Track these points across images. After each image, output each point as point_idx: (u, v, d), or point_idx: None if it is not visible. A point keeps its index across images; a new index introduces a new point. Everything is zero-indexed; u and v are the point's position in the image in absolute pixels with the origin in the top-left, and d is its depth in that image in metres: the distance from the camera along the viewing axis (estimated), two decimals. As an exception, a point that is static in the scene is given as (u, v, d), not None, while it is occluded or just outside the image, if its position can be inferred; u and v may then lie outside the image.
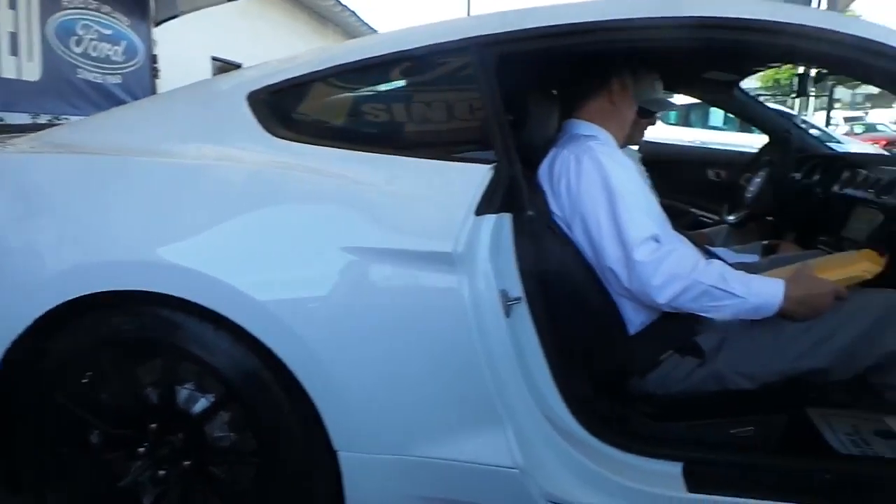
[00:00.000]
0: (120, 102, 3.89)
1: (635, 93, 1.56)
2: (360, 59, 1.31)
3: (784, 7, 1.24)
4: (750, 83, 11.73)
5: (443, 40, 1.28)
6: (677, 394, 1.37)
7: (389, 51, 1.30)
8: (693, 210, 2.89)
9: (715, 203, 2.65)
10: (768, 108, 2.87)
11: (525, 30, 1.25)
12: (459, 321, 1.15)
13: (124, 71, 4.34)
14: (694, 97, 2.95)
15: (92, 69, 4.11)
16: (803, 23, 1.21)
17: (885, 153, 9.12)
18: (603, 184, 1.32)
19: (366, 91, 1.38)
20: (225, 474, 1.30)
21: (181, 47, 5.46)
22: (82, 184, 1.31)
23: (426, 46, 1.28)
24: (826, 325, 1.27)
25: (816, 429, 1.47)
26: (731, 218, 2.38)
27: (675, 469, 1.27)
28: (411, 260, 1.15)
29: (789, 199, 2.32)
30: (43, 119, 3.63)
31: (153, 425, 1.27)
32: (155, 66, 4.50)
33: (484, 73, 1.23)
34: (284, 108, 1.35)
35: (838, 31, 1.20)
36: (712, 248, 1.67)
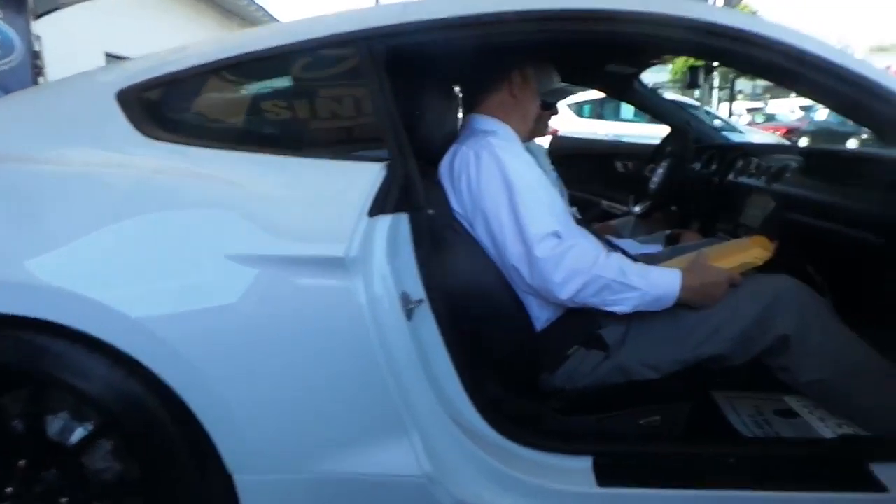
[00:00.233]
0: (-9, 103, 3.54)
1: (538, 85, 1.55)
2: (240, 53, 1.22)
3: (674, 1, 1.25)
4: (661, 76, 12.27)
5: (329, 33, 1.21)
6: (585, 388, 1.37)
7: (272, 45, 1.22)
8: (603, 201, 2.95)
9: (623, 194, 2.71)
10: (667, 100, 2.96)
11: (415, 22, 1.20)
12: (357, 328, 1.10)
13: (-2, 69, 3.96)
14: (597, 90, 3.00)
15: (-44, 68, 3.74)
16: (686, 15, 1.22)
17: (786, 141, 9.76)
18: (503, 180, 1.30)
19: (249, 88, 1.29)
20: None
21: (71, 43, 5.08)
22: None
23: (312, 40, 1.21)
24: (722, 312, 1.30)
25: (721, 412, 1.51)
26: (636, 208, 2.43)
27: (585, 464, 1.26)
28: (301, 266, 1.09)
29: (690, 189, 2.39)
30: None
31: (21, 462, 1.14)
32: (37, 63, 4.14)
33: (373, 68, 1.18)
34: (159, 106, 1.25)
35: (723, 25, 1.22)
36: (617, 240, 1.69)
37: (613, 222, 2.44)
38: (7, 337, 1.10)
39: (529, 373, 1.41)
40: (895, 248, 1.39)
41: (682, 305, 1.29)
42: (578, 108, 8.89)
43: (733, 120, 11.68)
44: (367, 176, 1.14)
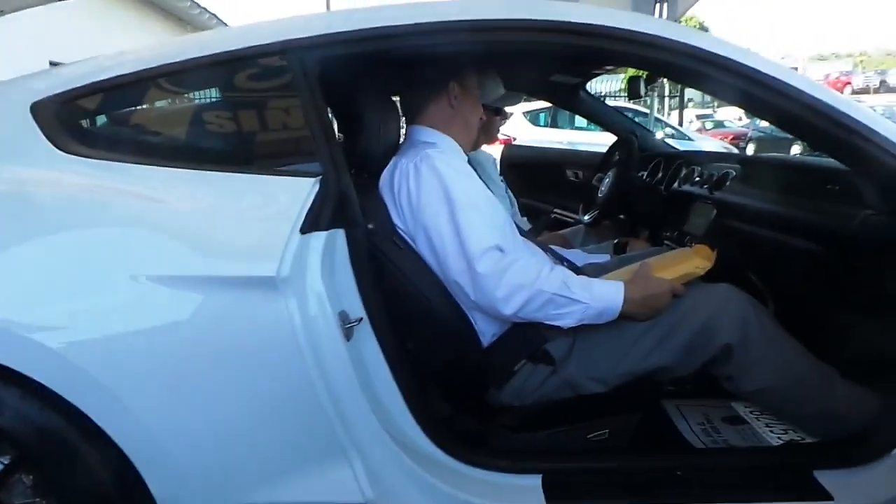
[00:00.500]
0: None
1: (481, 94, 1.53)
2: (162, 64, 1.16)
3: (616, 13, 1.25)
4: (615, 84, 12.48)
5: (259, 43, 1.16)
6: (534, 403, 1.35)
7: (196, 55, 1.16)
8: (555, 210, 2.96)
9: (575, 203, 2.72)
10: (612, 108, 2.99)
11: (347, 32, 1.16)
12: (290, 351, 1.05)
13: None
14: (543, 100, 3.01)
15: None
16: (631, 28, 1.21)
17: (733, 148, 10.03)
18: (443, 194, 1.27)
19: (174, 100, 1.23)
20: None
21: (11, 51, 4.86)
22: None
23: (241, 50, 1.16)
24: (665, 323, 1.29)
25: (671, 422, 1.51)
26: (586, 217, 2.44)
27: (535, 482, 1.24)
28: (229, 287, 1.04)
29: (636, 197, 2.41)
30: None
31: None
32: (-29, 72, 3.95)
33: (304, 79, 1.13)
34: (77, 119, 1.18)
35: (665, 38, 1.21)
36: (564, 251, 1.67)
37: (563, 232, 2.45)
38: None
39: (476, 390, 1.38)
40: (834, 255, 1.41)
41: (627, 318, 1.28)
42: (534, 117, 8.96)
43: (684, 127, 11.94)
44: (299, 191, 1.09)
